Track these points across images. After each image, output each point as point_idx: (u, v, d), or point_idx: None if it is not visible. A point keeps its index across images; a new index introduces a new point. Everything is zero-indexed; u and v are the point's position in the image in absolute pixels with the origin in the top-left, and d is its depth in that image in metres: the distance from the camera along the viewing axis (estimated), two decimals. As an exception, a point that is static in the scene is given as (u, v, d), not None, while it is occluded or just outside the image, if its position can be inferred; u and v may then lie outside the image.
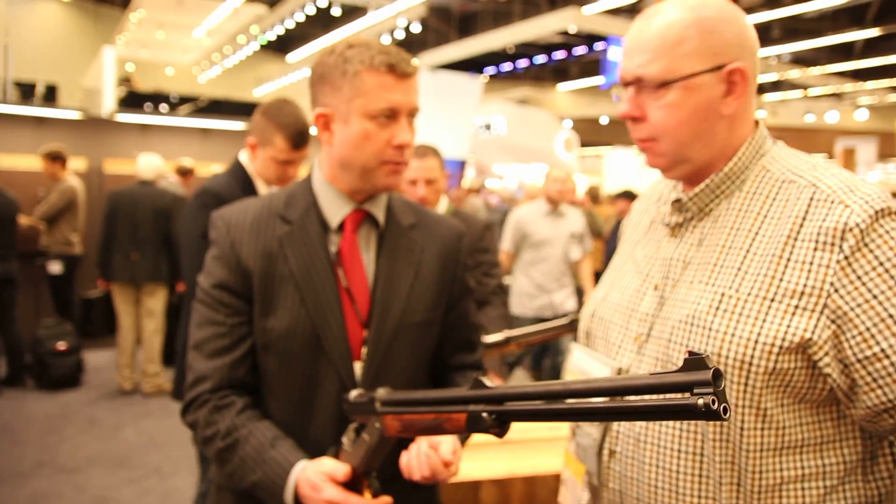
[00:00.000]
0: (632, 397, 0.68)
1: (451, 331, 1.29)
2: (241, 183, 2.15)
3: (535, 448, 2.04)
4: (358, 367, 1.16)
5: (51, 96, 10.23)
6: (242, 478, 1.10)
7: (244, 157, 2.21)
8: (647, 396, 0.66)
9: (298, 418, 1.17)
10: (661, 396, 0.65)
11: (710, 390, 0.60)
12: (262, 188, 2.19)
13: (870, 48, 17.86)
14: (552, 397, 0.76)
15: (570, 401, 0.73)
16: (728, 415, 0.60)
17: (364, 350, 1.17)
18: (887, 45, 17.31)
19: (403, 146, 1.14)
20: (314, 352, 1.14)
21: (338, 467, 1.03)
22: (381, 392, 0.98)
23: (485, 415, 0.81)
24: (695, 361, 0.62)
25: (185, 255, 2.20)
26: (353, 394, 1.05)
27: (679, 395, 0.63)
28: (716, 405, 0.59)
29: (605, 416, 0.73)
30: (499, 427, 0.81)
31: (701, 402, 0.60)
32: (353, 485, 1.03)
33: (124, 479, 3.65)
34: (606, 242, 6.28)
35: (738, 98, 0.98)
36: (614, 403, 0.69)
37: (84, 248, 5.60)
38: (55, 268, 5.34)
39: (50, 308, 5.67)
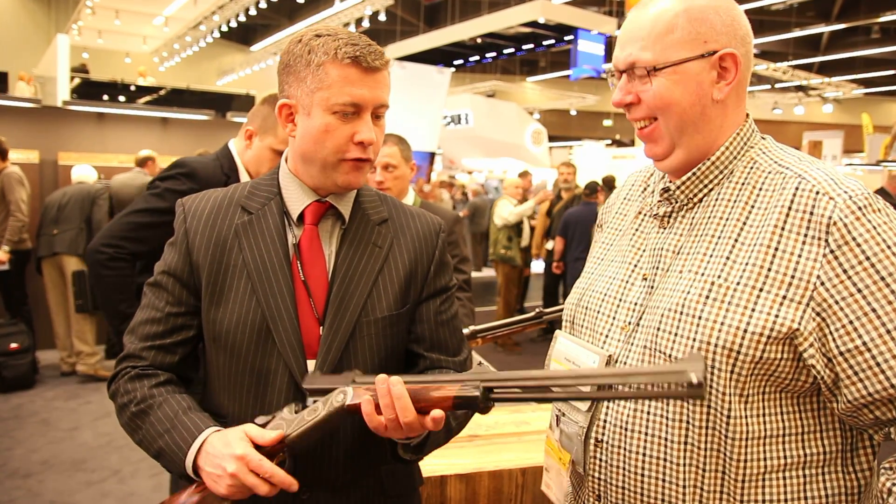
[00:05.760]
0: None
1: (422, 330, 1.20)
2: (224, 167, 2.04)
3: (502, 443, 2.02)
4: (312, 364, 1.11)
5: (1, 85, 9.84)
6: (150, 445, 1.07)
7: (234, 145, 2.12)
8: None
9: (250, 414, 1.11)
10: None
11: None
12: (245, 178, 2.06)
13: (835, 42, 18.37)
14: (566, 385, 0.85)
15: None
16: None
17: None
18: (851, 39, 17.83)
19: (365, 143, 1.09)
20: (264, 346, 1.10)
21: (263, 432, 0.99)
22: (357, 374, 0.99)
23: (477, 392, 0.87)
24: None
25: (124, 212, 2.05)
26: (319, 376, 1.02)
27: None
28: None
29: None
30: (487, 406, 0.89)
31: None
32: (268, 455, 0.99)
33: (81, 483, 3.53)
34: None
35: (729, 83, 1.01)
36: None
37: (34, 243, 5.40)
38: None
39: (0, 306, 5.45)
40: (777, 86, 18.60)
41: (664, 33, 0.99)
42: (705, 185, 1.04)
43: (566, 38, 10.74)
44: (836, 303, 0.88)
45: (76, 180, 5.39)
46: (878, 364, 0.87)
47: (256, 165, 2.07)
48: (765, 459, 0.94)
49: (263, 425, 1.01)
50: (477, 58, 12.84)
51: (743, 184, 1.01)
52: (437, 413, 0.91)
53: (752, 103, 20.67)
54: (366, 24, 13.12)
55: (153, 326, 1.13)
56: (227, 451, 0.96)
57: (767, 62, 16.74)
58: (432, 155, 10.65)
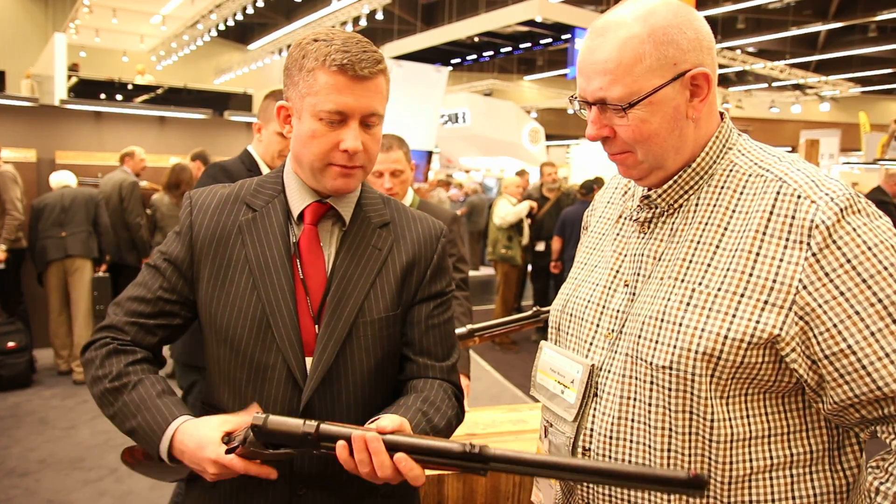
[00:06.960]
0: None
1: (412, 333, 1.20)
2: (247, 165, 2.36)
3: (500, 441, 2.02)
4: (310, 362, 1.12)
5: (-2, 84, 9.80)
6: (122, 422, 1.10)
7: (251, 146, 2.44)
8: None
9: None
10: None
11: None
12: (266, 170, 2.36)
13: (832, 41, 18.39)
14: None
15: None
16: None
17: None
18: (848, 38, 17.85)
19: (350, 151, 1.09)
20: (264, 340, 1.11)
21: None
22: (317, 424, 0.92)
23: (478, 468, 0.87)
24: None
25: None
26: (272, 418, 0.94)
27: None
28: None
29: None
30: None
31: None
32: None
33: (79, 482, 3.52)
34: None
35: (703, 100, 0.99)
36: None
37: (28, 242, 5.38)
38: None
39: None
40: (774, 84, 18.61)
41: (632, 64, 0.94)
42: (685, 192, 1.03)
43: (563, 36, 10.71)
44: (819, 306, 0.88)
45: (59, 185, 5.24)
46: (863, 367, 0.87)
47: (270, 154, 2.37)
48: (750, 461, 0.93)
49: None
50: (474, 56, 12.82)
51: (723, 188, 1.00)
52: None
53: (749, 102, 20.68)
54: (363, 22, 13.10)
55: (141, 305, 1.15)
56: (202, 454, 0.99)
57: (765, 61, 16.75)
58: (430, 154, 10.64)
